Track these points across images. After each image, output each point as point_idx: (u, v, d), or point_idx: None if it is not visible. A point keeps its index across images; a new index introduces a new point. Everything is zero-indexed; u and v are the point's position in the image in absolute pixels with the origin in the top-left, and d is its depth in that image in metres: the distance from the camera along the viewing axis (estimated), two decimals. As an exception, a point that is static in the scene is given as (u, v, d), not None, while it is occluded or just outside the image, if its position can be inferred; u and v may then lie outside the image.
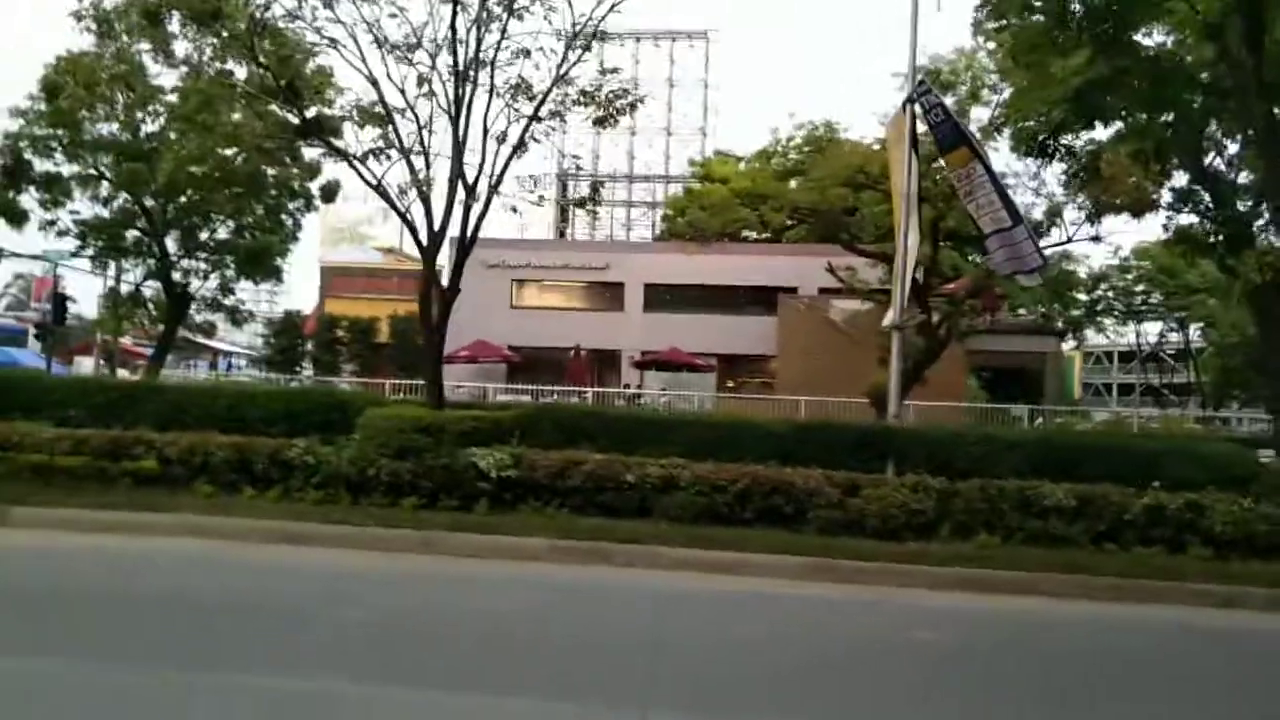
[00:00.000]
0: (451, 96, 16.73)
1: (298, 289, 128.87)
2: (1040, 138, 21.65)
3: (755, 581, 12.34)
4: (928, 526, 14.31)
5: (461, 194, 16.92)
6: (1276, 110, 17.24)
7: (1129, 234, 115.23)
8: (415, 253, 18.16)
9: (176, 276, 31.52)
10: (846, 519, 14.46)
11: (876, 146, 29.20)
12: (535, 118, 16.90)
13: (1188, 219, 23.15)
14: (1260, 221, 21.76)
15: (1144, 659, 9.82)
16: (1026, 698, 8.24)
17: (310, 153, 26.49)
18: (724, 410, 33.03)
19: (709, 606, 11.04)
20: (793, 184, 32.07)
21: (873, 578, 12.63)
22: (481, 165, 16.75)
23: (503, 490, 14.71)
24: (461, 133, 16.74)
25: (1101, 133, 22.22)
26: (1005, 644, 10.15)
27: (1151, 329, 73.27)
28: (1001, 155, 30.58)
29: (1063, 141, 22.09)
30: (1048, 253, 24.29)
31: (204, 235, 31.99)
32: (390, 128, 17.04)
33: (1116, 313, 63.58)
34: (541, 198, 18.10)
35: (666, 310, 47.80)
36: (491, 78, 16.69)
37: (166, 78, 28.35)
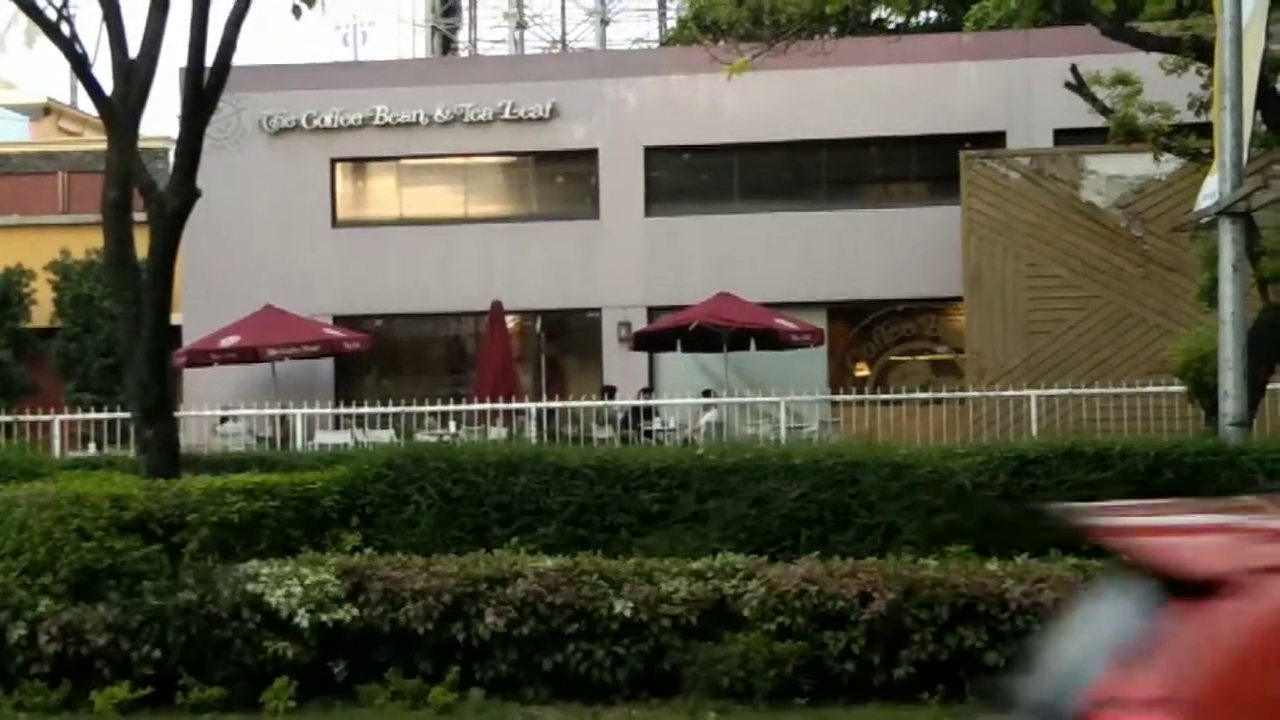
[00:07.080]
0: None
1: None
2: None
3: None
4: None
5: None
6: None
7: None
8: (94, 110, 9.81)
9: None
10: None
11: None
12: None
13: None
14: None
15: None
16: None
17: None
18: (848, 435, 14.51)
19: None
20: None
21: None
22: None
23: (326, 655, 7.18)
24: None
25: None
26: None
27: None
28: None
29: None
30: None
31: None
32: None
33: None
34: None
35: (694, 209, 21.41)
36: None
37: None
